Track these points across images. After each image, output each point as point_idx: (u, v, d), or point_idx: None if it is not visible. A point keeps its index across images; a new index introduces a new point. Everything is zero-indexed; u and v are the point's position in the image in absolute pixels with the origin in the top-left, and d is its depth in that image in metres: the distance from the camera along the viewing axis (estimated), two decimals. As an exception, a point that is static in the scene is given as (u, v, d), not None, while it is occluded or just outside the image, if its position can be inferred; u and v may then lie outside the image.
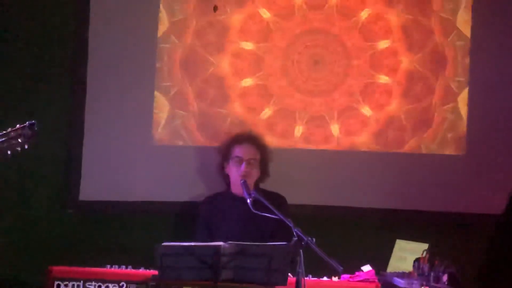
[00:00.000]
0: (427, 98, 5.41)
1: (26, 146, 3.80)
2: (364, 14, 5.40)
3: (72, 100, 5.34)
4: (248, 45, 5.40)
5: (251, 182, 4.92)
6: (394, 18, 5.39)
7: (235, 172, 4.97)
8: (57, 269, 4.52)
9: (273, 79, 5.41)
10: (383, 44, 5.41)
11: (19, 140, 3.77)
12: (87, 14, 5.33)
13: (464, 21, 5.40)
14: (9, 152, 3.78)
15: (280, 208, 4.47)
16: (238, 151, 5.00)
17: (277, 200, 4.86)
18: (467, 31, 5.40)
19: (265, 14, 5.40)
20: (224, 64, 5.40)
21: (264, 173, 5.06)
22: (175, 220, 5.35)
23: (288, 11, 5.40)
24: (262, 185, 5.06)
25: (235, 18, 5.39)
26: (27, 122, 3.80)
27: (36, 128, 3.81)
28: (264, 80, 5.41)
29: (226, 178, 5.09)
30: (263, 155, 5.06)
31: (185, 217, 5.23)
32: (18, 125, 3.80)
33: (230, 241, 4.09)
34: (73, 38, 5.35)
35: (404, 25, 5.39)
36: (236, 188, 4.99)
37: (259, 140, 5.10)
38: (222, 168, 5.09)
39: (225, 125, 5.37)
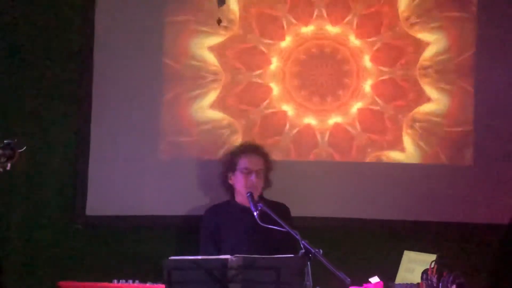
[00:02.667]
0: (438, 110, 5.42)
1: (8, 167, 3.75)
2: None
3: (78, 115, 5.35)
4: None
5: (257, 193, 4.92)
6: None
7: (242, 183, 4.96)
8: (65, 284, 4.52)
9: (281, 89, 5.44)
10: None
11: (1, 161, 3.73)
12: (92, 28, 5.34)
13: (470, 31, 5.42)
14: None
15: (285, 218, 4.48)
16: (247, 162, 4.99)
17: (281, 210, 4.86)
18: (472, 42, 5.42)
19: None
20: (223, 79, 5.42)
21: (266, 182, 5.06)
22: (182, 233, 5.34)
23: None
24: (269, 193, 5.05)
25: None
26: (4, 142, 3.75)
27: (14, 147, 3.75)
28: (274, 89, 5.43)
29: (230, 188, 5.09)
30: (267, 166, 5.06)
31: (192, 231, 5.22)
32: None
33: (236, 251, 4.08)
34: (78, 53, 5.36)
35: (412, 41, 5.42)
36: (242, 198, 4.99)
37: (264, 151, 5.10)
38: (225, 178, 5.08)
39: (229, 138, 5.37)
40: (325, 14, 5.41)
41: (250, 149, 5.08)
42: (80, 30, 5.35)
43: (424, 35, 5.40)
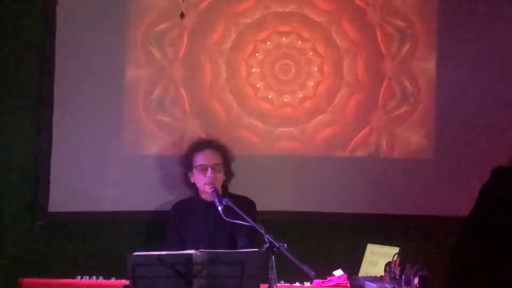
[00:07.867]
0: (399, 105, 5.47)
1: None
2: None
3: (40, 111, 5.31)
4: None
5: (218, 186, 4.92)
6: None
7: (201, 180, 4.95)
8: (27, 281, 4.50)
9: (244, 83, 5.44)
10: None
11: None
12: (53, 24, 5.30)
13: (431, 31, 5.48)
14: None
15: (250, 212, 4.50)
16: (200, 158, 4.97)
17: (246, 204, 4.86)
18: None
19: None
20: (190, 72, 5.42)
21: (228, 174, 5.05)
22: (146, 229, 5.33)
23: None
24: (231, 189, 5.06)
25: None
26: None
27: None
28: (236, 86, 5.43)
29: (193, 186, 5.07)
30: (225, 158, 5.03)
31: (156, 226, 5.21)
32: None
33: (200, 246, 4.09)
34: (40, 47, 5.32)
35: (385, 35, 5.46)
36: (206, 195, 4.98)
37: (219, 144, 5.07)
38: (186, 177, 5.07)
39: (193, 133, 5.37)
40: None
41: (203, 144, 5.04)
42: (41, 25, 5.31)
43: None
